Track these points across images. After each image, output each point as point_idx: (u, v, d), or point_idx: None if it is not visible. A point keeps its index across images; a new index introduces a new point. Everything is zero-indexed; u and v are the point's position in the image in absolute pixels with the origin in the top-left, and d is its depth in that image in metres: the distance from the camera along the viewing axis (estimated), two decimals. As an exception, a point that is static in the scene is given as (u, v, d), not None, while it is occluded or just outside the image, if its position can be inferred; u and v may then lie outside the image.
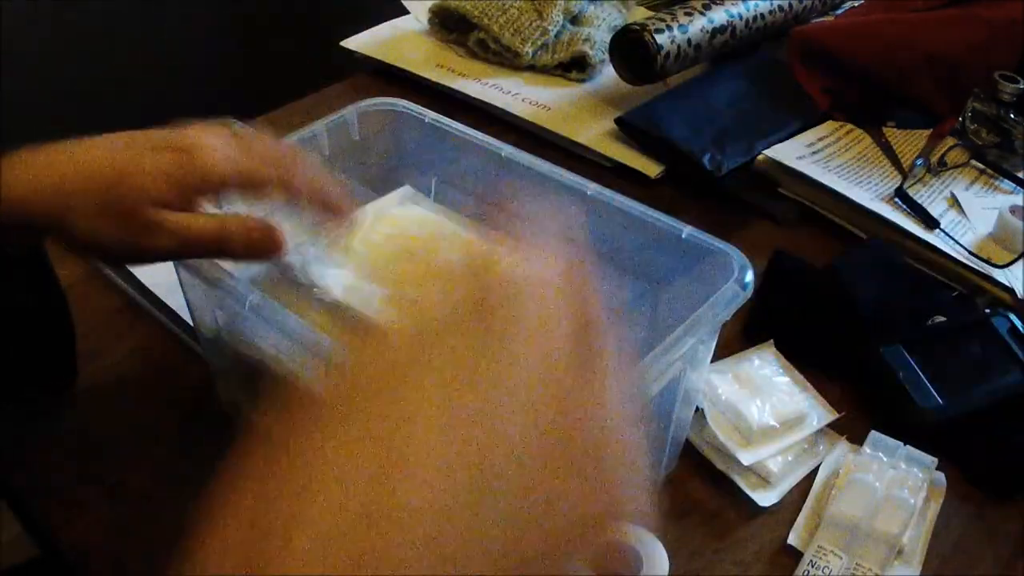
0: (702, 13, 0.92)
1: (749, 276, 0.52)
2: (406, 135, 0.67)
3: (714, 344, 0.54)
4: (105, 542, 0.56)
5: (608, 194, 0.58)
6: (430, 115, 0.65)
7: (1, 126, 1.19)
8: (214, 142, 0.49)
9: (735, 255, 0.53)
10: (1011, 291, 0.72)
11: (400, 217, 0.61)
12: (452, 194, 0.67)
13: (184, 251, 0.49)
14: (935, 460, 0.60)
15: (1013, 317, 0.67)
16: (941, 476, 0.60)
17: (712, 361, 0.63)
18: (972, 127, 0.86)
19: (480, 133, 0.63)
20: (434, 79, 0.98)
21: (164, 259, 0.49)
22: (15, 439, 0.61)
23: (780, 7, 0.98)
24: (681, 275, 0.56)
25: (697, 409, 0.60)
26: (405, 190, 0.66)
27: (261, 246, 0.50)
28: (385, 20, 1.09)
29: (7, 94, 1.23)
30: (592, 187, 0.59)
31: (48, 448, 0.61)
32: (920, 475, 0.59)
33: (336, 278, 0.56)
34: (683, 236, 0.55)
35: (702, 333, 0.49)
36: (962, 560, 0.57)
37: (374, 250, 0.59)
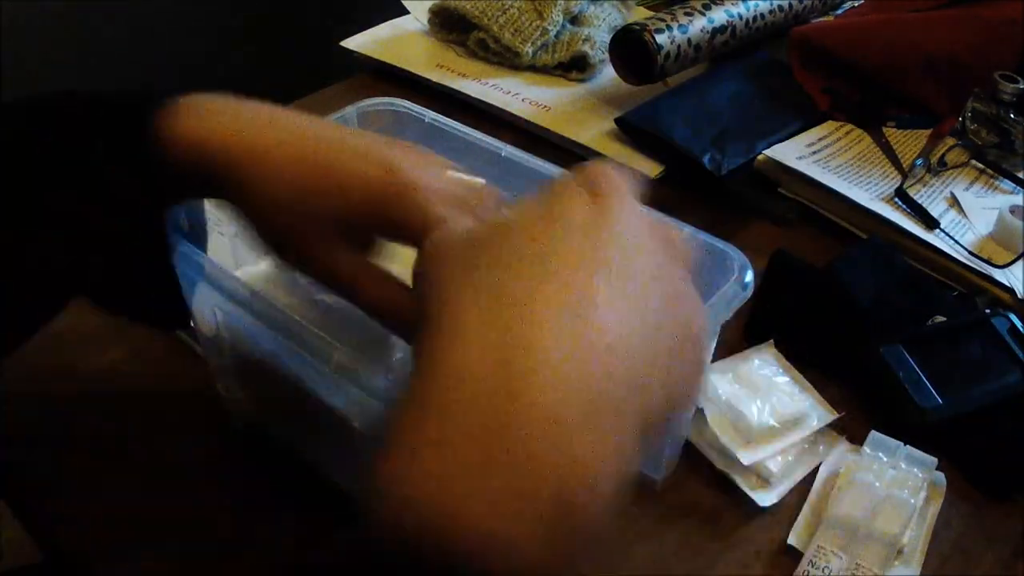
0: (702, 13, 0.92)
1: (749, 276, 0.52)
2: (406, 135, 0.66)
3: (714, 344, 0.54)
4: (105, 543, 0.56)
5: None
6: (430, 115, 0.65)
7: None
8: (431, 183, 0.44)
9: (735, 255, 0.53)
10: (1011, 291, 0.72)
11: None
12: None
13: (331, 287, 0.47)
14: (935, 460, 0.60)
15: (1013, 317, 0.67)
16: (941, 476, 0.60)
17: (712, 361, 0.63)
18: (972, 127, 0.86)
19: (480, 133, 0.63)
20: (434, 79, 0.98)
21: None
22: (15, 440, 0.61)
23: (780, 7, 0.98)
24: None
25: (697, 409, 0.60)
26: None
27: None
28: (385, 20, 1.09)
29: (7, 94, 1.23)
30: None
31: (48, 448, 0.61)
32: (920, 475, 0.59)
33: None
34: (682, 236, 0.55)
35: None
36: (962, 560, 0.57)
37: None
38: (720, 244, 0.54)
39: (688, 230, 0.55)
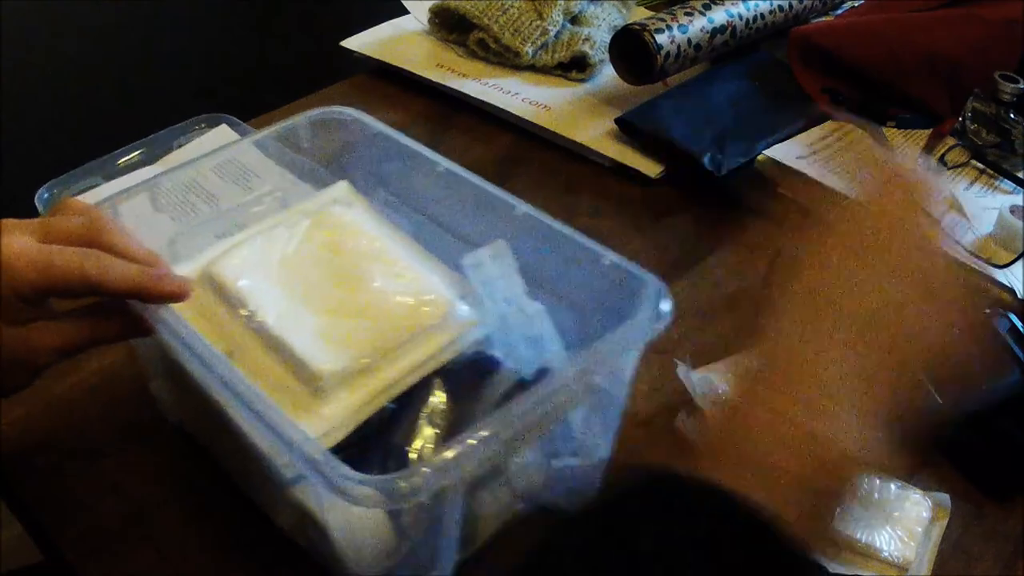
0: (702, 13, 0.92)
1: (666, 306, 0.49)
2: (358, 146, 0.65)
3: (631, 369, 0.53)
4: (104, 544, 0.56)
5: (535, 216, 0.56)
6: (379, 127, 0.63)
7: (1, 126, 1.19)
8: (13, 247, 0.47)
9: (651, 282, 0.51)
10: (1011, 291, 0.72)
11: (335, 224, 0.59)
12: (399, 208, 0.65)
13: (73, 352, 0.51)
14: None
15: (1013, 317, 0.67)
16: (946, 497, 0.59)
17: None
18: (972, 127, 0.86)
19: (425, 148, 0.61)
20: (434, 79, 0.98)
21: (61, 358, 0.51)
22: (15, 441, 0.61)
23: (780, 7, 0.98)
24: (603, 300, 0.54)
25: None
26: (341, 186, 0.64)
27: (136, 329, 0.52)
28: (385, 20, 1.09)
29: (7, 94, 1.23)
30: (521, 208, 0.57)
31: (48, 450, 0.61)
32: (924, 497, 0.58)
33: (270, 298, 0.54)
34: (604, 263, 0.53)
35: (610, 363, 0.48)
36: (962, 560, 0.57)
37: (309, 264, 0.57)
38: (635, 270, 0.51)
39: (612, 257, 0.53)
